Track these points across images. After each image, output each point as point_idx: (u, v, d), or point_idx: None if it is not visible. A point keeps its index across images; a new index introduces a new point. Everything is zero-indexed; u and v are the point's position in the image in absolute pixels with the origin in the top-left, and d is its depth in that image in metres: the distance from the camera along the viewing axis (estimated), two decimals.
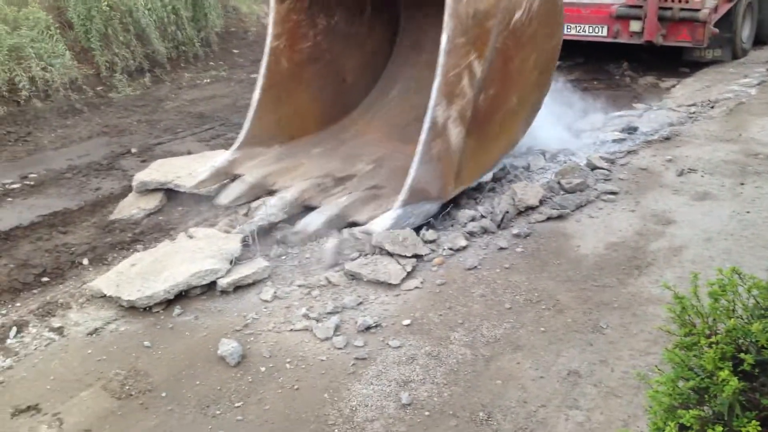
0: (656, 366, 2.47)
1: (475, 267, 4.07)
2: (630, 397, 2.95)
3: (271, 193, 4.80)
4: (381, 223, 4.20)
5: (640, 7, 7.91)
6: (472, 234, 4.42)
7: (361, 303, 3.77)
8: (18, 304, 3.94)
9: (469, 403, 2.98)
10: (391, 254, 4.06)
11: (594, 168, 5.37)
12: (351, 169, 5.08)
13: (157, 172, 5.25)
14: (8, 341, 3.58)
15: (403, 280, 3.92)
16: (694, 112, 6.84)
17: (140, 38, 8.82)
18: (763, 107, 6.87)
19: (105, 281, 3.95)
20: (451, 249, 4.24)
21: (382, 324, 3.57)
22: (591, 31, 8.37)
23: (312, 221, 4.41)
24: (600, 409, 2.90)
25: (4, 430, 2.97)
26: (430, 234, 4.33)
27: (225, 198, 4.84)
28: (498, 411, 2.92)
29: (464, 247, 4.27)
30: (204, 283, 3.87)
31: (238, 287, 3.93)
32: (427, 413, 2.94)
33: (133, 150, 6.38)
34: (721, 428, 1.64)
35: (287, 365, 3.30)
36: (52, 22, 7.87)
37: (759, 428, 1.62)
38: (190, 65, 9.44)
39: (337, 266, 4.09)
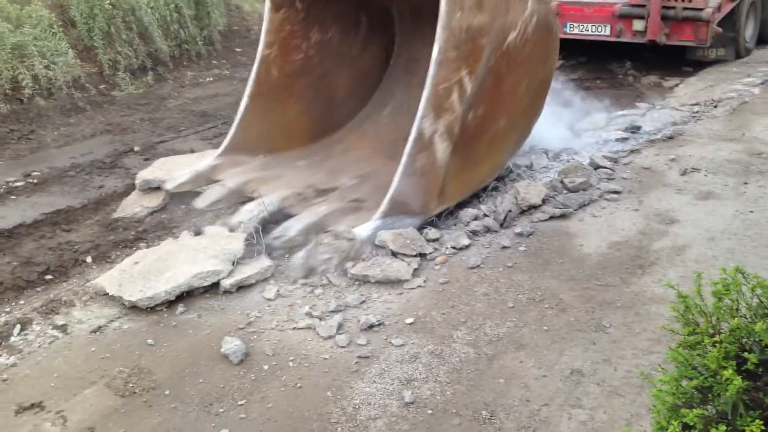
0: (659, 365, 2.46)
1: (478, 266, 4.07)
2: (633, 396, 2.95)
3: (251, 199, 4.73)
4: (358, 232, 4.11)
5: (644, 6, 7.90)
6: (475, 233, 4.42)
7: (363, 301, 3.77)
8: (22, 302, 3.95)
9: (472, 401, 2.99)
10: (394, 254, 4.06)
11: (597, 167, 5.36)
12: (334, 182, 4.99)
13: (160, 170, 5.25)
14: (12, 339, 3.59)
15: (407, 278, 3.93)
16: (697, 112, 6.84)
17: (143, 36, 8.83)
18: (766, 106, 6.87)
19: (108, 279, 3.95)
20: (454, 248, 4.25)
21: (385, 322, 3.57)
22: (594, 30, 8.36)
23: (290, 227, 4.33)
24: (603, 408, 2.90)
25: (9, 427, 2.97)
26: (433, 233, 4.33)
27: (202, 201, 4.81)
28: (501, 410, 2.93)
29: (467, 246, 4.27)
30: (206, 284, 3.87)
31: (241, 287, 3.93)
32: (430, 412, 2.94)
33: (136, 148, 6.38)
34: (724, 427, 1.64)
35: (290, 363, 3.31)
36: (54, 20, 7.89)
37: (762, 427, 1.63)
38: (192, 63, 9.45)
39: (314, 274, 4.03)
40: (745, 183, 5.05)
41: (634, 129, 6.36)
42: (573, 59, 9.21)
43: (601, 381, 3.06)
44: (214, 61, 9.70)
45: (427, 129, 4.18)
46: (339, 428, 2.88)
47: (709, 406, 1.78)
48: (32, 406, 3.09)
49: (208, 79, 9.05)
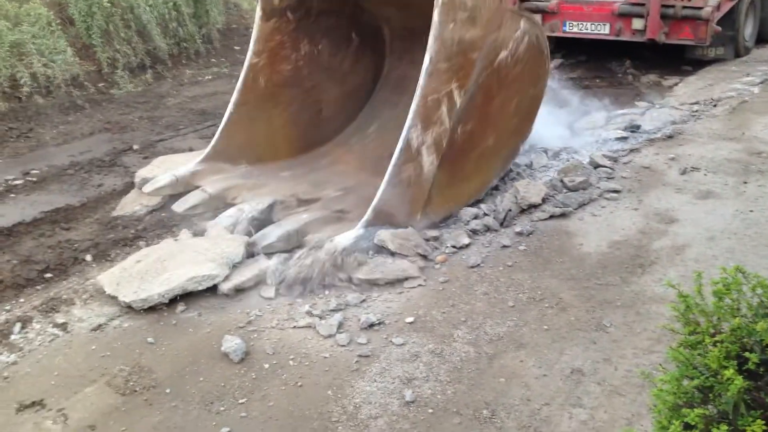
0: (660, 364, 2.47)
1: (478, 265, 4.07)
2: (634, 396, 2.95)
3: (231, 206, 4.69)
4: (340, 240, 4.02)
5: (643, 4, 7.89)
6: (475, 232, 4.42)
7: (364, 300, 3.77)
8: (22, 300, 3.95)
9: (473, 400, 2.99)
10: (393, 253, 4.05)
11: (597, 166, 5.37)
12: (318, 193, 4.94)
13: (159, 168, 5.25)
14: (12, 337, 3.59)
15: (407, 277, 3.93)
16: (696, 111, 6.84)
17: (141, 35, 8.81)
18: (765, 105, 6.87)
19: (108, 277, 3.95)
20: (454, 247, 4.25)
21: (386, 321, 3.58)
22: (593, 28, 8.35)
23: (269, 233, 4.27)
24: (604, 408, 2.90)
25: (9, 425, 2.98)
26: (432, 232, 4.33)
27: (180, 206, 4.79)
28: (501, 409, 2.93)
29: (467, 245, 4.27)
30: (200, 288, 3.84)
31: (240, 289, 3.91)
32: (430, 411, 2.94)
33: (135, 147, 6.37)
34: (725, 427, 1.65)
35: (290, 362, 3.31)
36: (53, 19, 7.87)
37: (764, 427, 1.63)
38: (191, 62, 9.43)
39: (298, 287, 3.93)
40: (745, 182, 5.05)
41: (634, 128, 6.35)
42: (572, 58, 9.21)
43: (601, 380, 3.07)
44: (213, 60, 9.69)
45: (415, 140, 4.16)
46: (340, 427, 2.88)
47: (710, 406, 1.79)
48: (33, 404, 3.10)
49: (206, 77, 9.04)
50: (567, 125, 6.38)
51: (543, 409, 2.92)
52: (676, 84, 8.12)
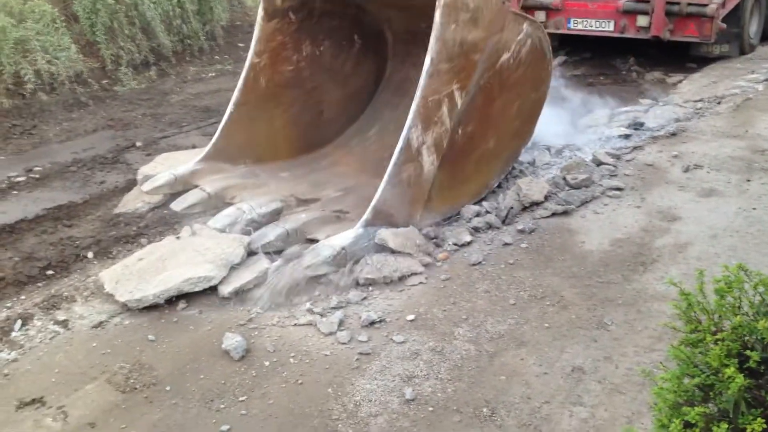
0: (661, 363, 2.46)
1: (480, 262, 4.06)
2: (634, 394, 2.94)
3: (229, 205, 4.66)
4: (338, 240, 3.99)
5: (648, 1, 7.86)
6: (476, 229, 4.41)
7: (365, 298, 3.77)
8: (23, 297, 3.95)
9: (473, 398, 2.98)
10: (393, 252, 4.04)
11: (599, 164, 5.35)
12: (317, 193, 4.93)
13: (162, 165, 5.24)
14: (13, 334, 3.59)
15: (409, 275, 3.92)
16: (700, 108, 6.80)
17: (145, 32, 8.81)
18: None
19: (109, 275, 3.95)
20: (455, 244, 4.24)
21: (386, 319, 3.57)
22: (598, 25, 8.32)
23: (267, 233, 4.26)
24: (604, 406, 2.89)
25: (10, 422, 2.98)
26: (434, 230, 4.32)
27: (179, 205, 4.77)
28: (502, 407, 2.92)
29: (469, 243, 4.26)
30: (196, 290, 3.82)
31: (240, 291, 3.88)
32: (431, 409, 2.94)
33: (138, 144, 6.38)
34: (726, 425, 1.64)
35: (291, 360, 3.30)
36: (57, 15, 7.87)
37: (764, 425, 1.62)
38: (195, 59, 9.43)
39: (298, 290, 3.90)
40: (748, 180, 5.03)
41: (637, 125, 6.33)
42: (577, 55, 9.18)
43: (602, 378, 3.06)
44: (217, 57, 9.68)
45: (415, 140, 4.14)
46: (340, 425, 2.87)
47: (710, 404, 1.78)
48: (33, 401, 3.10)
49: (210, 74, 9.04)
50: (570, 122, 6.36)
51: (543, 407, 2.91)
52: (680, 81, 8.09)
